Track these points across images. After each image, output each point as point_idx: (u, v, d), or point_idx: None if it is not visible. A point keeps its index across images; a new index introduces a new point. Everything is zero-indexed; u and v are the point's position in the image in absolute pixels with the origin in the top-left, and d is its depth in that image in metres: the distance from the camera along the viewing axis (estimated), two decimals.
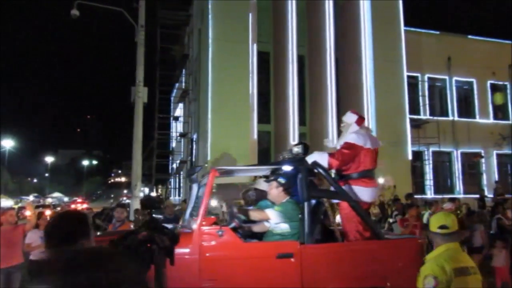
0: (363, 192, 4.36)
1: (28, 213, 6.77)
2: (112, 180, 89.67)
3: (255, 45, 15.65)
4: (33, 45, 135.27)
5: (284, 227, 4.05)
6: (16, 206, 22.49)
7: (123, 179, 77.56)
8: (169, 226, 4.12)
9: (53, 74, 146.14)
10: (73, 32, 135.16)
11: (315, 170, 4.26)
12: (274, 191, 4.27)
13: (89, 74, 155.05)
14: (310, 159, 4.27)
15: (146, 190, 24.48)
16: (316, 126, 16.78)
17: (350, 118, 4.66)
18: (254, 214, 4.31)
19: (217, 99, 14.98)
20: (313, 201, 4.31)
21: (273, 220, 4.10)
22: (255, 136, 15.22)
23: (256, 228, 4.29)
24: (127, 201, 30.90)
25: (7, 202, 31.21)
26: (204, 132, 15.45)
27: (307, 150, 4.47)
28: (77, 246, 1.57)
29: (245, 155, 13.70)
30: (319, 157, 4.27)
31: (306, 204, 3.97)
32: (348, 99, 17.25)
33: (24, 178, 61.47)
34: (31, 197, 43.00)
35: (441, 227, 2.45)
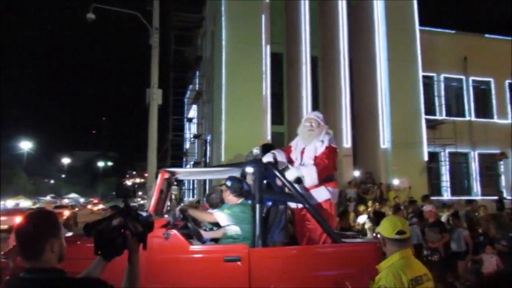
0: (336, 194, 4.37)
1: None
2: (127, 181, 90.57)
3: (268, 47, 15.66)
4: (48, 48, 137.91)
5: (235, 229, 3.97)
6: (34, 207, 22.91)
7: (137, 180, 78.33)
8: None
9: (69, 77, 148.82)
10: (88, 35, 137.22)
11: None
12: (224, 194, 4.27)
13: (105, 77, 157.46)
14: (293, 174, 4.13)
15: None
16: (329, 127, 16.68)
17: (323, 119, 4.55)
18: (200, 216, 4.32)
19: (230, 100, 15.02)
20: (269, 204, 4.22)
21: (221, 222, 4.03)
22: (269, 137, 15.21)
23: (213, 235, 4.22)
24: (142, 202, 31.21)
25: (25, 203, 31.97)
26: (218, 133, 15.51)
27: (268, 151, 4.37)
28: (46, 247, 1.58)
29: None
30: (307, 173, 4.12)
31: (257, 206, 3.85)
32: (363, 100, 17.12)
33: (41, 179, 62.59)
34: (48, 198, 43.73)
35: (399, 232, 2.35)
